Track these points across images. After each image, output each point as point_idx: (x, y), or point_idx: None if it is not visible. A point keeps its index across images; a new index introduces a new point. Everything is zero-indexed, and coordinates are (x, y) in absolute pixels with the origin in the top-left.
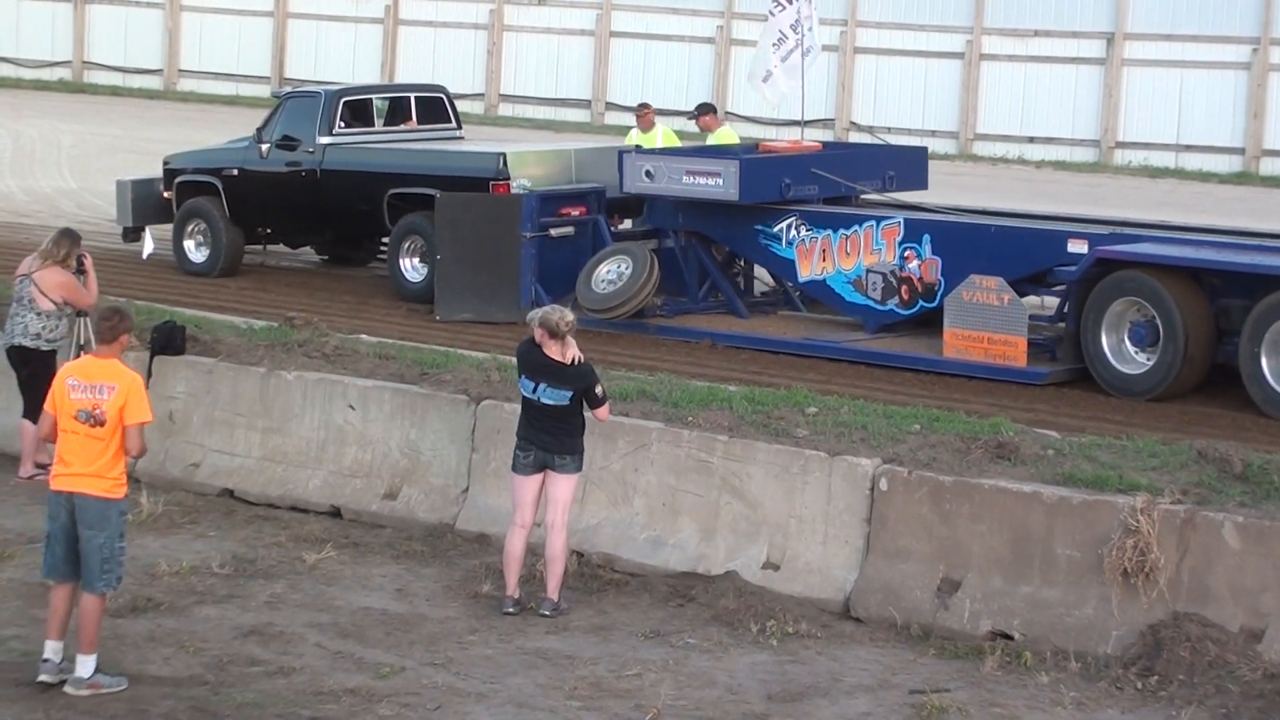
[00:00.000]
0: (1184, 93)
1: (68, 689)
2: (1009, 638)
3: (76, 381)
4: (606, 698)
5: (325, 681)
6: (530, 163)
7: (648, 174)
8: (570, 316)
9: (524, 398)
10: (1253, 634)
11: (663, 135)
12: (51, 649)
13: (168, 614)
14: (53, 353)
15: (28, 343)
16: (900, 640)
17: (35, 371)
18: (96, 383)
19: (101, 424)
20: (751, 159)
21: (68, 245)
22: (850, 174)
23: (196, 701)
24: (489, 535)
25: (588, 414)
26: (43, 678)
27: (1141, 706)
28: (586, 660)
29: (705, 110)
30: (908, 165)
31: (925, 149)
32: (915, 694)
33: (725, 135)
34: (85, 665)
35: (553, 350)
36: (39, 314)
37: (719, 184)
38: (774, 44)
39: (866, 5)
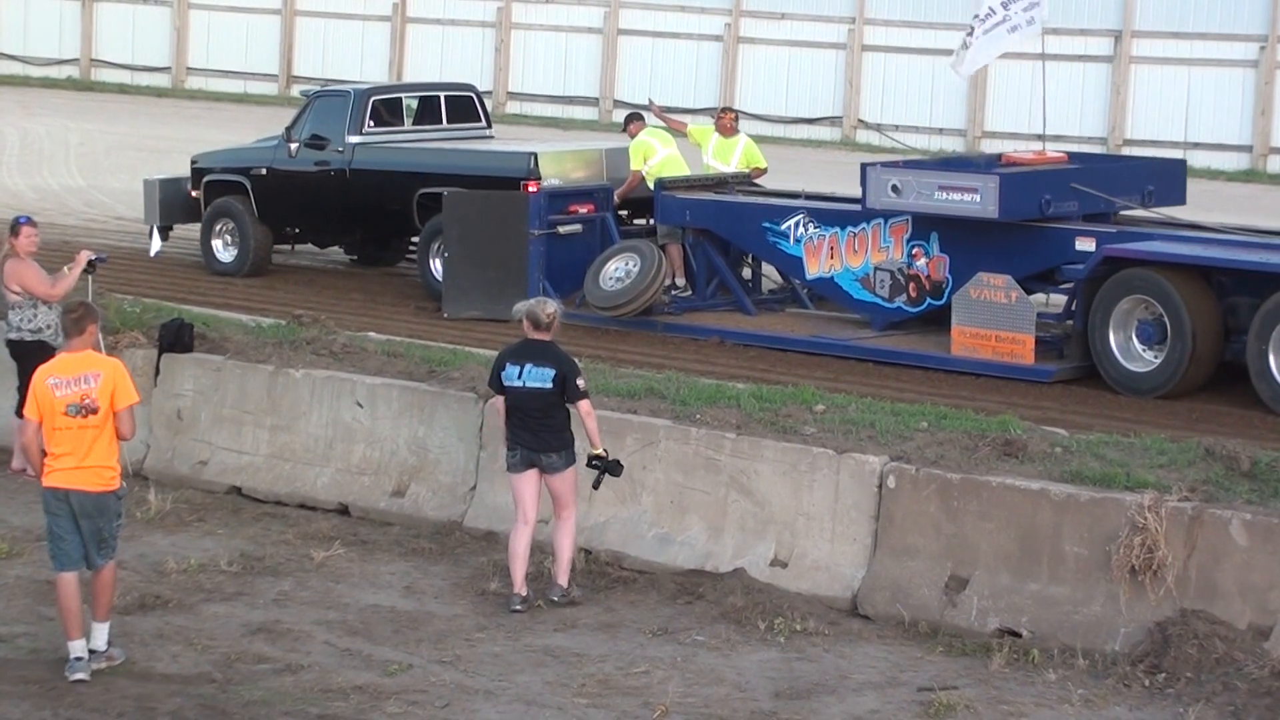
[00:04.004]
0: (1192, 90)
1: (91, 664)
2: (1017, 635)
3: (58, 379)
4: (614, 695)
5: (333, 679)
6: (562, 162)
7: (894, 189)
8: (551, 307)
9: (509, 391)
10: (1260, 631)
11: (745, 147)
12: (78, 648)
13: (176, 611)
14: (39, 344)
15: (12, 335)
16: (908, 638)
17: (24, 367)
18: (80, 374)
19: (95, 412)
20: (1012, 174)
21: (7, 233)
22: (1109, 189)
23: (204, 699)
24: (497, 533)
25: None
26: (79, 676)
27: (1149, 704)
28: (594, 658)
29: (632, 120)
30: (1166, 179)
31: (1184, 162)
32: (923, 691)
33: (637, 144)
34: (101, 634)
35: (540, 339)
36: (12, 307)
37: (975, 200)
38: (980, 16)
39: (874, 3)
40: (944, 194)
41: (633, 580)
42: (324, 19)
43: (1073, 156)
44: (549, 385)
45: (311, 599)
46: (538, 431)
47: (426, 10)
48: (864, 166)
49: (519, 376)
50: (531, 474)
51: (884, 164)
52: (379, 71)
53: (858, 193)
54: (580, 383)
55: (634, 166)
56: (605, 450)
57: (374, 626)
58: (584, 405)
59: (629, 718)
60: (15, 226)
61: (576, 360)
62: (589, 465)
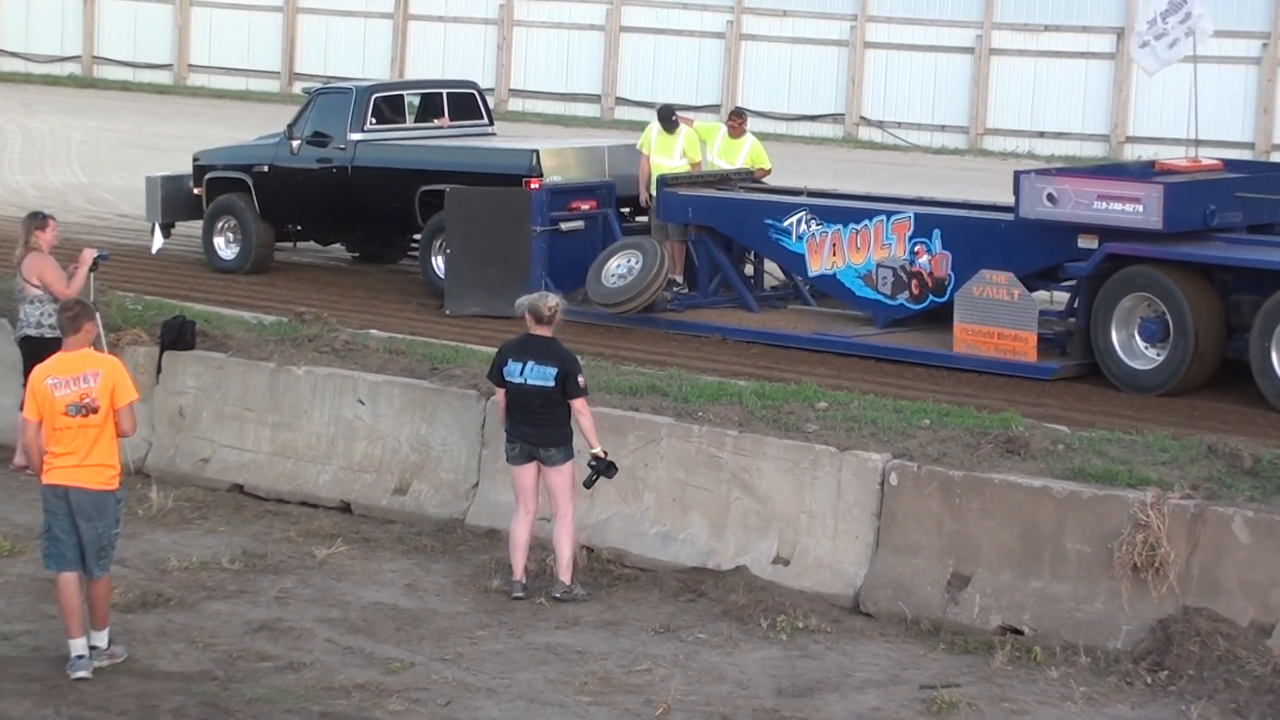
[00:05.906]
0: (1195, 88)
1: (93, 662)
2: (1019, 632)
3: (57, 379)
4: (617, 693)
5: (335, 677)
6: (563, 159)
7: (1050, 197)
8: (552, 301)
9: (510, 387)
10: (1263, 628)
11: (750, 148)
12: (79, 646)
13: (177, 609)
14: (57, 340)
15: (31, 332)
16: (910, 635)
17: (36, 365)
18: (79, 373)
19: (95, 411)
20: (1177, 183)
21: (30, 227)
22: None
23: (206, 697)
24: (499, 530)
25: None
26: (81, 673)
27: (1151, 701)
28: (597, 655)
29: (672, 111)
30: None
31: None
32: (925, 689)
33: (697, 133)
34: (101, 638)
35: (542, 334)
36: (31, 302)
37: (1138, 210)
38: (1149, 21)
39: (877, 0)
40: (1104, 204)
41: (635, 578)
42: (326, 16)
43: (1227, 164)
44: (551, 384)
45: (313, 597)
46: (539, 426)
47: (428, 7)
48: (1017, 174)
49: (521, 373)
50: (531, 466)
51: (1038, 172)
52: (381, 68)
53: (860, 189)
54: (580, 380)
55: (697, 158)
56: (604, 451)
57: (376, 624)
58: (578, 403)
59: (631, 715)
60: (43, 221)
61: (578, 357)
62: (588, 465)
